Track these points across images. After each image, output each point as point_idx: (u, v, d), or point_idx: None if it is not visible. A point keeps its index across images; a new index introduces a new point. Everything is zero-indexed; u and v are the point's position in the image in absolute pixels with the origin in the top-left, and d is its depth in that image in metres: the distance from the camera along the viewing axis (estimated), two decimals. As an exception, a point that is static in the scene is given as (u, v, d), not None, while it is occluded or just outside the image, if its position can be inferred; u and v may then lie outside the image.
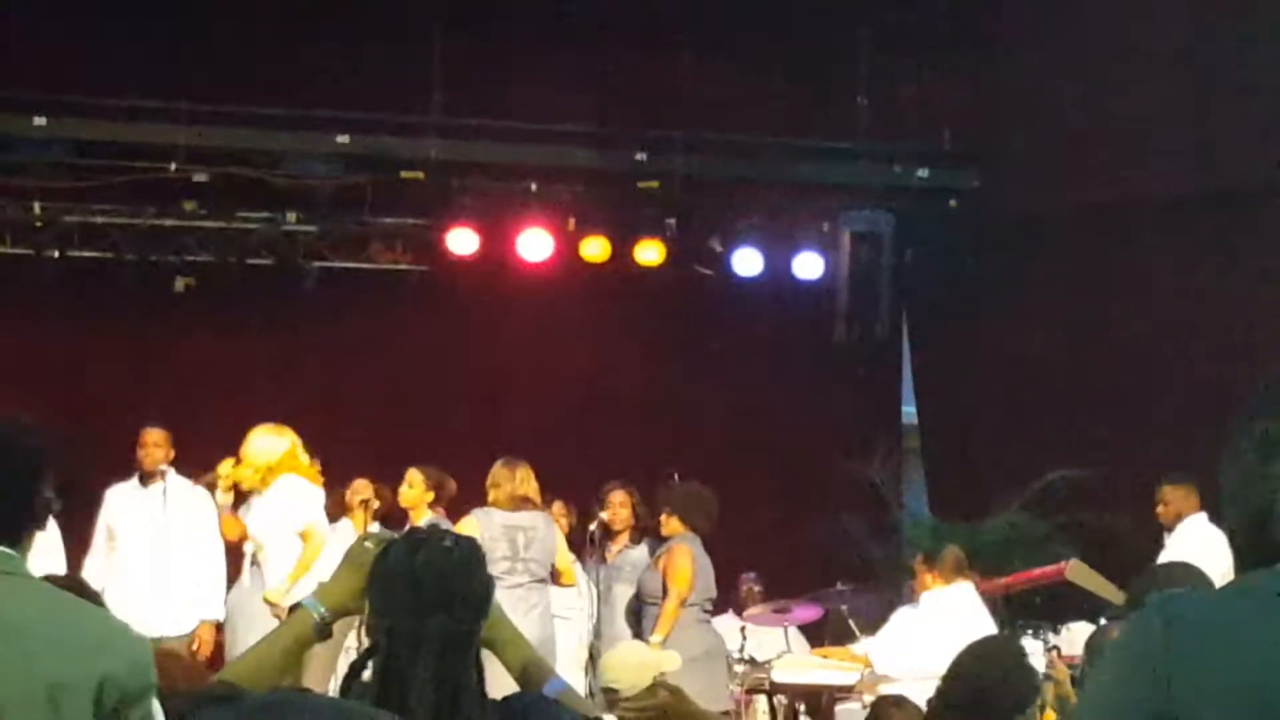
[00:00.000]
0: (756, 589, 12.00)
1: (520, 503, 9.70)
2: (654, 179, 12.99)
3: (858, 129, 13.39)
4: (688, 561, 9.66)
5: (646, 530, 10.53)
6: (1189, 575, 4.49)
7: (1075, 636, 9.13)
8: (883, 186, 13.39)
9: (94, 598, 4.43)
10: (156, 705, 2.91)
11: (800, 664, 9.98)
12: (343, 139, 12.38)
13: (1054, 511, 12.05)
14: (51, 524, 9.58)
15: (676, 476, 10.43)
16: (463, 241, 12.77)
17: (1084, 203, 12.40)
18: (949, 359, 13.92)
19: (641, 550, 10.45)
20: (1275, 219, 11.31)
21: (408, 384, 13.27)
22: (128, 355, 12.92)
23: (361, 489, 10.51)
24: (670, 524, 9.90)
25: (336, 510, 10.26)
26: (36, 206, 12.39)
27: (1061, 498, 12.07)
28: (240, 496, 9.65)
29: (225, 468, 9.61)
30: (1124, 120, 12.02)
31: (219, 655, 9.55)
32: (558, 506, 10.89)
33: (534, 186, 12.89)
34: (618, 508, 10.59)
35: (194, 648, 9.55)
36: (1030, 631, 9.22)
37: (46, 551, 9.41)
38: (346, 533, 9.85)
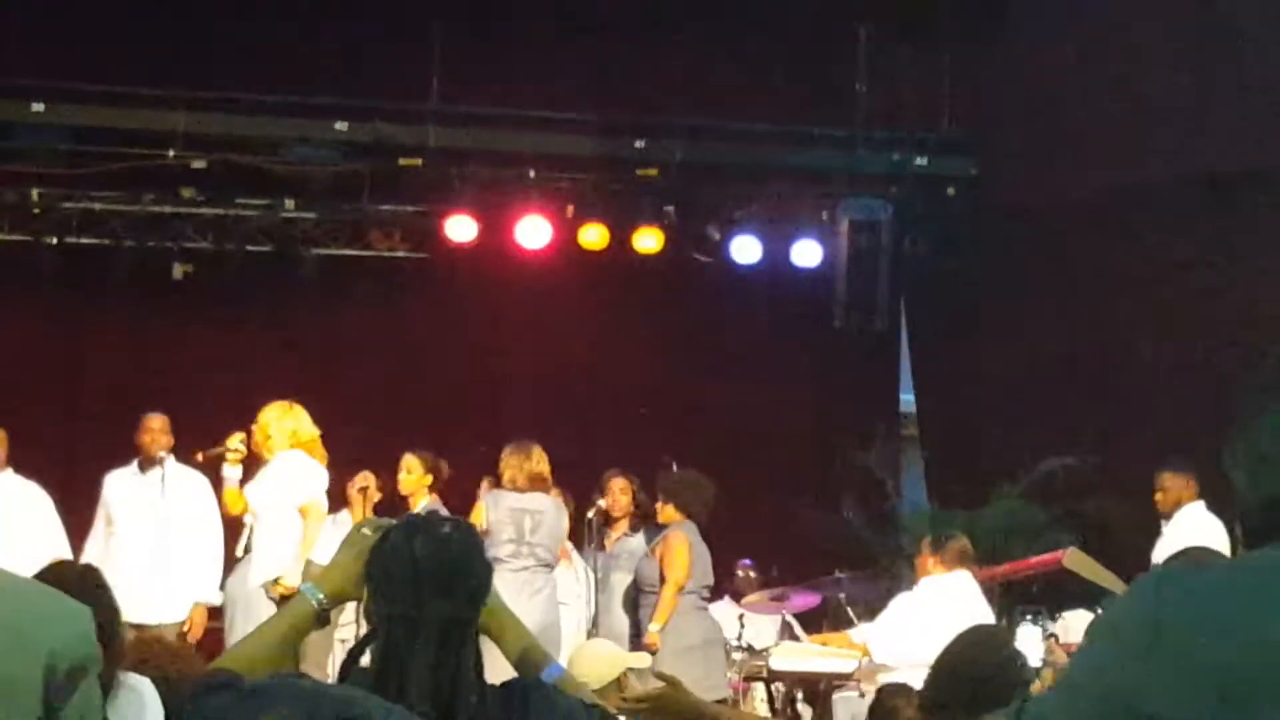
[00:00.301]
0: (754, 576, 12.00)
1: (535, 481, 9.70)
2: (653, 167, 13.00)
3: (856, 117, 13.39)
4: (685, 549, 9.67)
5: (645, 518, 10.54)
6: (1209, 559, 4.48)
7: (1073, 624, 9.16)
8: (881, 174, 13.41)
9: (105, 588, 4.44)
10: (96, 681, 2.91)
11: (798, 652, 9.98)
12: (341, 126, 12.40)
13: (1052, 499, 12.07)
14: (51, 509, 9.64)
15: (674, 464, 10.43)
16: (461, 229, 12.77)
17: (1082, 191, 12.39)
18: (947, 347, 13.92)
19: (639, 539, 10.46)
20: (1273, 209, 11.31)
21: (406, 371, 13.28)
22: (126, 342, 12.92)
23: (360, 479, 10.49)
24: (666, 511, 9.91)
25: (337, 501, 10.25)
26: (35, 193, 12.39)
27: (1059, 486, 12.10)
28: (249, 471, 9.67)
29: (235, 441, 9.63)
30: (1122, 109, 12.01)
31: (213, 639, 9.56)
32: (555, 494, 10.90)
33: (533, 174, 12.90)
34: (618, 495, 10.59)
35: (184, 629, 9.55)
36: (1029, 619, 9.24)
37: (47, 536, 9.45)
38: (346, 524, 9.86)
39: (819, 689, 9.86)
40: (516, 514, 9.52)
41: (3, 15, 11.87)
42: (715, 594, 10.49)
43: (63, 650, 2.79)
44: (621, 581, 10.22)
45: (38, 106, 11.87)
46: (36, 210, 12.48)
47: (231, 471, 9.67)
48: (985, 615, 8.72)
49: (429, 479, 10.20)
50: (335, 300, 13.15)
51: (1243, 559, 2.12)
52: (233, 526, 9.88)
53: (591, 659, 6.48)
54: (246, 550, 9.74)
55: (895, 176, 13.40)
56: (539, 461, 9.79)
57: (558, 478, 10.85)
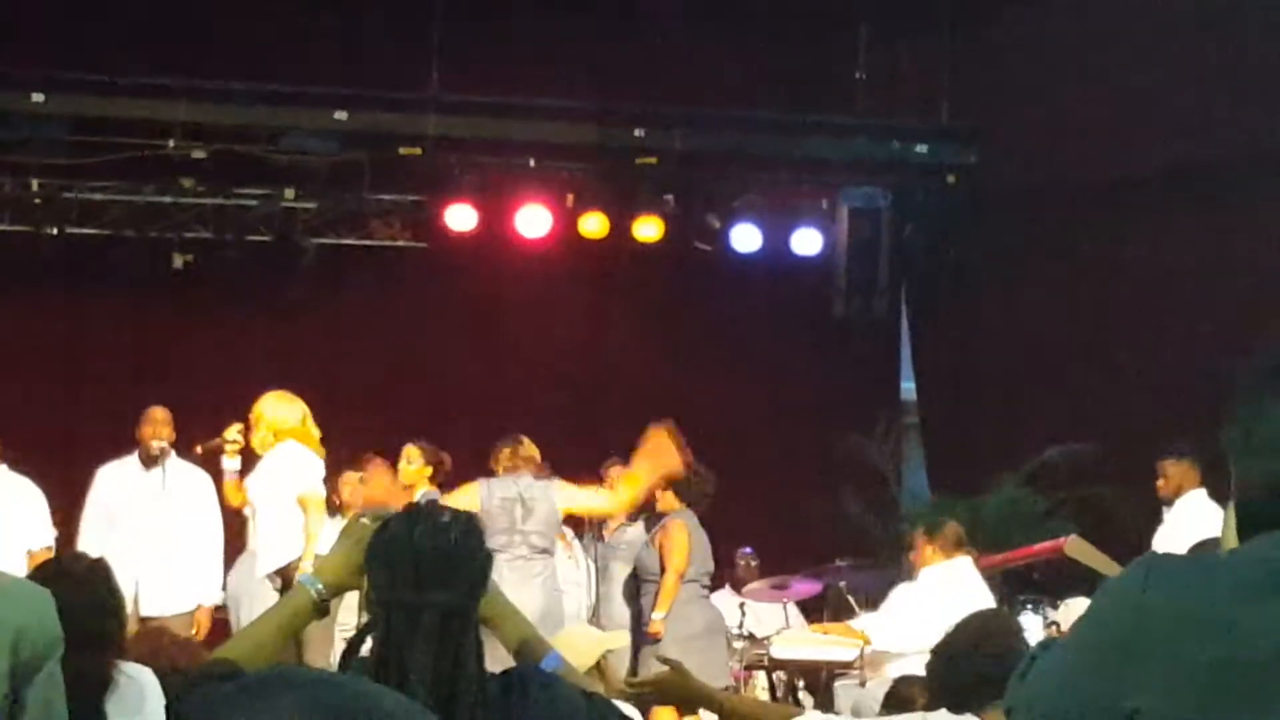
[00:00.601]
0: (755, 565, 12.00)
1: (526, 463, 9.69)
2: (653, 155, 12.98)
3: (856, 105, 13.39)
4: (684, 536, 9.67)
5: (643, 506, 10.52)
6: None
7: (1075, 612, 9.13)
8: (881, 162, 13.39)
9: (113, 581, 4.44)
10: (59, 664, 2.91)
11: (799, 640, 9.99)
12: (341, 115, 12.37)
13: (1053, 487, 12.08)
14: (43, 503, 9.65)
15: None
16: (461, 218, 12.76)
17: (1082, 178, 12.39)
18: (948, 334, 13.92)
19: (638, 528, 10.44)
20: (1273, 195, 11.30)
21: (406, 360, 13.28)
22: (126, 332, 12.92)
23: (347, 478, 10.50)
24: (666, 499, 9.90)
25: (336, 495, 10.25)
26: (35, 183, 12.38)
27: (1061, 473, 12.09)
28: (248, 463, 9.67)
29: (232, 433, 9.63)
30: (1122, 96, 12.00)
31: (218, 634, 9.56)
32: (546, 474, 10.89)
33: (532, 163, 12.89)
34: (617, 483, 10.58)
35: (193, 631, 9.56)
36: (1030, 607, 9.24)
37: (34, 530, 9.48)
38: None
39: (820, 677, 9.87)
40: (508, 504, 9.49)
41: (2, 5, 11.86)
42: (716, 582, 10.49)
43: (27, 630, 2.80)
44: (621, 571, 10.21)
45: (37, 97, 11.85)
46: (36, 201, 12.45)
47: (230, 464, 9.67)
48: (987, 602, 8.72)
49: (429, 470, 10.18)
50: (335, 290, 13.15)
51: (1236, 551, 2.09)
52: (235, 519, 9.88)
53: (569, 646, 6.47)
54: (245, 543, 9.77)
55: (895, 165, 13.39)
56: (529, 447, 9.80)
57: (557, 466, 10.83)
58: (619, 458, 10.72)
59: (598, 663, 6.25)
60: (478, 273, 13.01)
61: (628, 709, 4.56)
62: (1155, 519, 10.18)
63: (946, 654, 4.47)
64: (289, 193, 12.85)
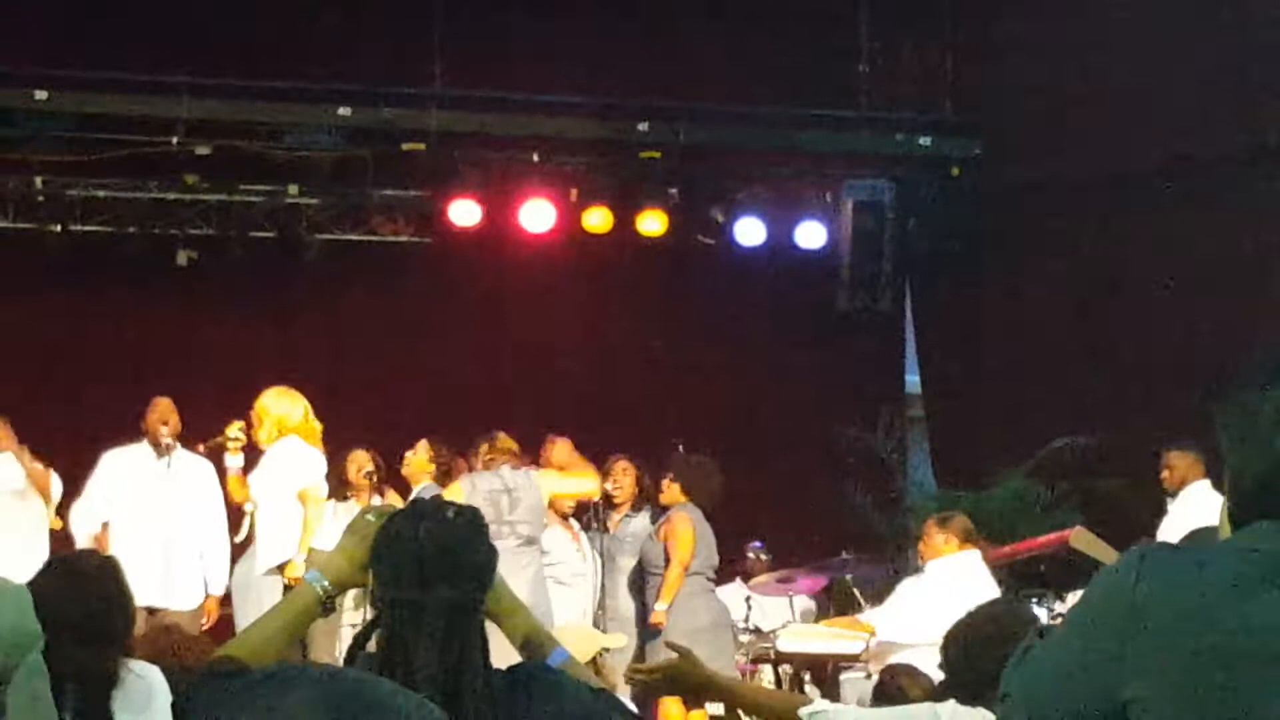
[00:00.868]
0: (761, 558, 12.01)
1: (498, 457, 9.70)
2: (656, 149, 12.99)
3: (859, 98, 13.38)
4: (688, 528, 9.68)
5: (648, 500, 10.53)
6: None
7: (1080, 605, 9.13)
8: (885, 155, 13.40)
9: (123, 578, 4.44)
10: (40, 657, 2.91)
11: (805, 633, 9.99)
12: (344, 111, 12.37)
13: (1058, 479, 12.07)
14: (39, 500, 9.65)
15: (681, 447, 10.43)
16: (465, 213, 12.75)
17: (1085, 170, 12.39)
18: (952, 327, 13.91)
19: (643, 520, 10.45)
20: (1276, 185, 11.29)
21: (410, 356, 13.27)
22: (130, 329, 12.91)
23: (361, 461, 10.45)
24: (671, 491, 9.92)
25: (339, 485, 10.21)
26: (38, 181, 12.38)
27: (1066, 465, 12.09)
28: (251, 459, 9.68)
29: (234, 430, 9.64)
30: (1124, 87, 11.99)
31: (222, 630, 9.56)
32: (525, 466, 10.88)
33: (536, 157, 12.89)
34: (621, 477, 10.59)
35: (202, 622, 9.57)
36: (1035, 599, 9.23)
37: (32, 525, 9.49)
38: (353, 512, 9.83)
39: (826, 670, 9.87)
40: (494, 495, 9.50)
41: (5, 3, 11.86)
42: (723, 577, 10.49)
43: (3, 625, 2.80)
44: (627, 564, 10.22)
45: (41, 94, 11.85)
46: (40, 198, 12.46)
47: (234, 460, 9.69)
48: (993, 594, 8.71)
49: (431, 466, 10.15)
50: (339, 285, 13.14)
51: (1228, 541, 2.10)
52: (237, 514, 9.90)
53: (561, 639, 6.46)
54: (248, 539, 9.76)
55: (899, 157, 13.39)
56: (505, 440, 9.82)
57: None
58: (622, 452, 10.74)
59: (594, 661, 6.25)
60: (481, 268, 13.01)
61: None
62: (1160, 510, 10.18)
63: (962, 644, 4.43)
64: (293, 189, 12.85)
